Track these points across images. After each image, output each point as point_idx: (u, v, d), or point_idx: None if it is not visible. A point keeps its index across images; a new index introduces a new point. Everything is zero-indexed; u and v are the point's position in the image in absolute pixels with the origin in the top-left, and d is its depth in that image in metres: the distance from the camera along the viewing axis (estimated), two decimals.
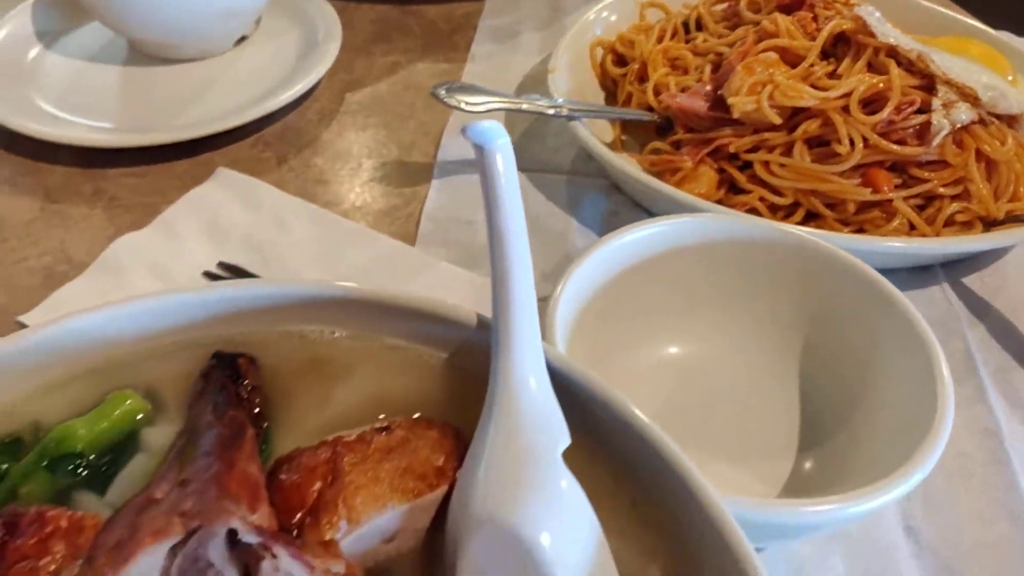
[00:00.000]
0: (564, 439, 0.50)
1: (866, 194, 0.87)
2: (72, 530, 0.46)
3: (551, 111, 0.96)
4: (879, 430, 0.65)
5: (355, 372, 0.61)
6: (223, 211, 0.93)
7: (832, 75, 0.93)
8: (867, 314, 0.69)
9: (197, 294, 0.61)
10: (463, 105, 0.91)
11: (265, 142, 1.06)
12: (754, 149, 0.92)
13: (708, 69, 1.00)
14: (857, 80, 0.90)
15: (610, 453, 0.53)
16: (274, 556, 0.39)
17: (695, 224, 0.73)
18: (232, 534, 0.39)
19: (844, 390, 0.69)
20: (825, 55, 0.96)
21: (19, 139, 1.03)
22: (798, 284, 0.72)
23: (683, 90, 0.99)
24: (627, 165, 0.91)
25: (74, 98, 1.09)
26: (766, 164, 0.91)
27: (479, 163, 0.53)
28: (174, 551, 0.39)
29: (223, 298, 0.61)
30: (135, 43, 1.18)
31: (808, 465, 0.68)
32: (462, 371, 0.59)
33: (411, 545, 0.51)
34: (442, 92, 0.92)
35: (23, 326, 0.81)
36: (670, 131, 1.01)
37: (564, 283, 0.68)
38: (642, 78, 1.07)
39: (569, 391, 0.53)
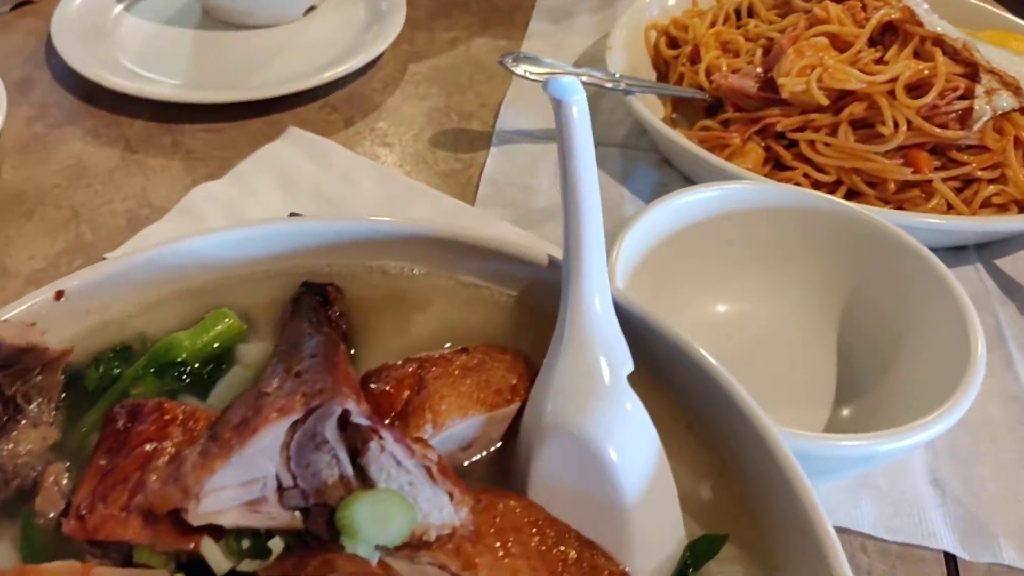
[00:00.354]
0: (628, 365, 0.55)
1: (907, 174, 0.91)
2: (188, 419, 0.52)
3: (609, 84, 1.01)
4: (913, 384, 0.69)
5: (431, 306, 0.66)
6: (294, 166, 0.99)
7: (879, 61, 0.97)
8: (909, 281, 0.73)
9: (289, 225, 0.66)
10: (528, 74, 0.96)
11: (332, 106, 1.12)
12: (800, 129, 0.97)
13: (759, 53, 1.05)
14: (904, 66, 0.94)
15: (668, 382, 0.58)
16: (381, 438, 0.45)
17: (749, 190, 0.78)
18: (346, 415, 0.44)
19: (883, 348, 0.74)
20: (873, 43, 1.00)
21: (101, 92, 1.09)
22: (844, 251, 0.77)
23: (734, 71, 1.04)
24: (680, 138, 0.96)
25: (152, 57, 1.16)
26: (811, 143, 0.96)
27: (556, 114, 0.57)
28: (294, 428, 0.44)
29: (313, 231, 0.66)
30: (209, 8, 1.24)
31: (845, 414, 0.73)
32: (530, 308, 0.64)
33: (485, 454, 0.57)
34: (508, 61, 0.97)
35: None
36: (719, 110, 1.05)
37: (621, 241, 0.73)
38: (694, 60, 1.11)
39: (632, 326, 0.58)
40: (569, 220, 0.57)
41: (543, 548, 0.48)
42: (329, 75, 1.10)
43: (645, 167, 1.04)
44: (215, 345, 0.61)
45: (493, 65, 1.20)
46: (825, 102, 0.94)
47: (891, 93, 0.93)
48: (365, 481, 0.45)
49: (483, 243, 0.65)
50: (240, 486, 0.44)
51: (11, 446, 0.53)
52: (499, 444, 0.57)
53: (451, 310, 0.66)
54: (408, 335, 0.65)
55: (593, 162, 0.58)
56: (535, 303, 0.64)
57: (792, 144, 0.98)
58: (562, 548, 0.49)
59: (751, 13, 1.15)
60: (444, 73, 1.20)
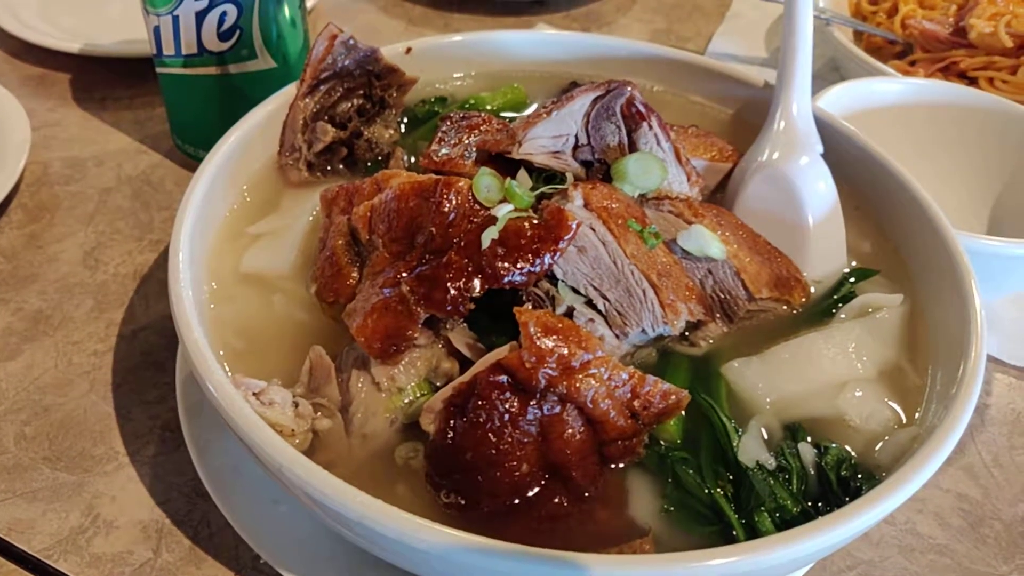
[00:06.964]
0: (819, 146, 0.73)
1: None
2: (495, 121, 0.73)
3: (816, 14, 1.18)
4: None
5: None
6: None
7: None
8: None
9: (569, 36, 0.88)
10: None
11: (573, 17, 1.34)
12: (982, 69, 1.11)
13: (953, 8, 1.20)
14: None
15: (845, 174, 0.74)
16: (650, 121, 0.64)
17: (930, 86, 0.94)
18: (631, 98, 0.64)
19: None
20: None
21: None
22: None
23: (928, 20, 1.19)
24: (875, 62, 1.11)
25: None
26: (991, 80, 1.10)
27: None
28: (595, 103, 0.64)
29: (585, 43, 0.87)
30: None
31: None
32: (743, 123, 0.83)
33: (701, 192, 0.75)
34: None
35: None
36: (908, 55, 1.21)
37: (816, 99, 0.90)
38: (890, 14, 1.27)
39: (820, 129, 0.75)
40: (787, 44, 0.75)
41: (743, 235, 0.66)
42: None
43: None
44: (510, 102, 0.83)
45: (710, 6, 1.40)
46: (1010, 44, 1.09)
47: None
48: (633, 150, 0.65)
49: (714, 68, 0.85)
50: (551, 138, 0.64)
51: (375, 130, 0.76)
52: (711, 190, 0.75)
53: (682, 122, 0.84)
54: None
55: (811, 7, 0.76)
56: (748, 118, 0.82)
57: (971, 83, 1.12)
58: (757, 239, 0.67)
59: None
60: (668, 7, 1.41)
